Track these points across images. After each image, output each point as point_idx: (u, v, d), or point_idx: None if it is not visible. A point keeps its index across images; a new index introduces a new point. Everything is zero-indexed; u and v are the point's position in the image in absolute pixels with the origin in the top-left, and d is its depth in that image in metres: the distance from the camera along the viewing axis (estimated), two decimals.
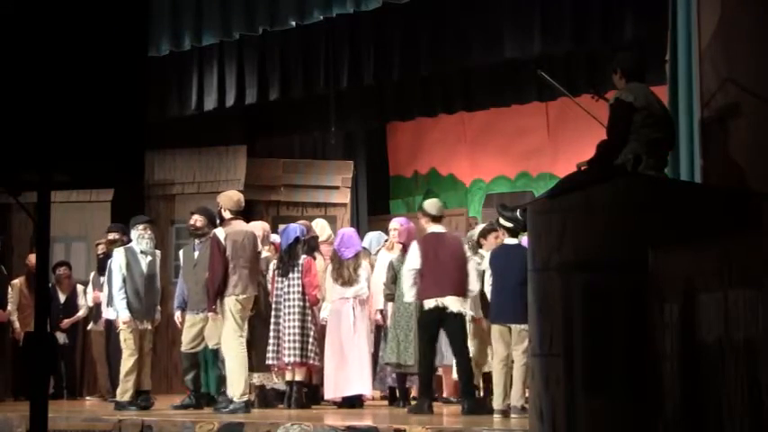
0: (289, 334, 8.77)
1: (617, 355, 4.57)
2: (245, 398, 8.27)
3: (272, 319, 8.88)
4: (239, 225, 8.55)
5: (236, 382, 8.25)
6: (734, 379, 3.73)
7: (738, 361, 3.71)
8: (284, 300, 8.85)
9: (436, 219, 8.31)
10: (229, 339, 8.31)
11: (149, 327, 9.08)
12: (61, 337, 10.65)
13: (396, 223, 9.22)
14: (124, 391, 8.86)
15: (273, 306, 8.91)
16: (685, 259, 4.17)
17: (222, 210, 8.61)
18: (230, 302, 8.31)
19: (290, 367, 8.82)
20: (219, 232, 8.45)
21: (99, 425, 8.11)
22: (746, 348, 3.67)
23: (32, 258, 10.48)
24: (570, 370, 4.72)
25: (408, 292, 8.24)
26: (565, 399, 4.74)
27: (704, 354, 3.92)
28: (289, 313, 8.81)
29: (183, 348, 8.90)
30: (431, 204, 8.46)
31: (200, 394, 8.94)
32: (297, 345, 8.74)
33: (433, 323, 8.12)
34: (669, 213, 4.64)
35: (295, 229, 9.04)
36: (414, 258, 8.16)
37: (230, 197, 8.69)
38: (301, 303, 8.82)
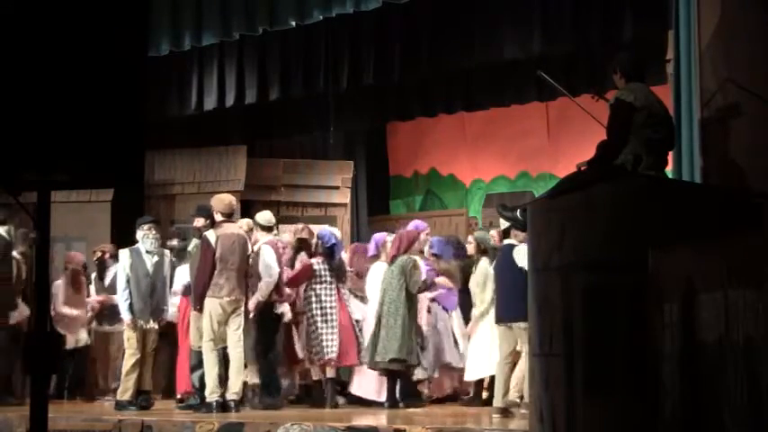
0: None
1: (617, 355, 4.57)
2: (215, 396, 8.34)
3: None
4: (230, 228, 8.61)
5: (207, 381, 8.40)
6: (734, 379, 3.73)
7: (738, 361, 3.71)
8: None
9: (267, 229, 8.92)
10: (203, 341, 8.44)
11: (155, 326, 9.10)
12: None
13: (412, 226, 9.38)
14: (124, 390, 8.87)
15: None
16: (685, 259, 4.17)
17: (214, 212, 8.66)
18: (210, 304, 8.39)
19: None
20: (210, 234, 8.52)
21: (99, 425, 8.12)
22: (746, 348, 3.67)
23: (73, 257, 10.39)
24: (570, 370, 4.72)
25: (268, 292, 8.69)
26: (565, 399, 4.74)
27: (704, 354, 3.92)
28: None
29: (193, 346, 8.91)
30: (262, 216, 9.03)
31: (204, 394, 8.95)
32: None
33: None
34: (669, 213, 4.64)
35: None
36: (275, 263, 8.69)
37: (221, 200, 8.73)
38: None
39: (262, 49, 10.87)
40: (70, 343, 10.14)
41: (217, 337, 8.42)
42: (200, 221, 8.96)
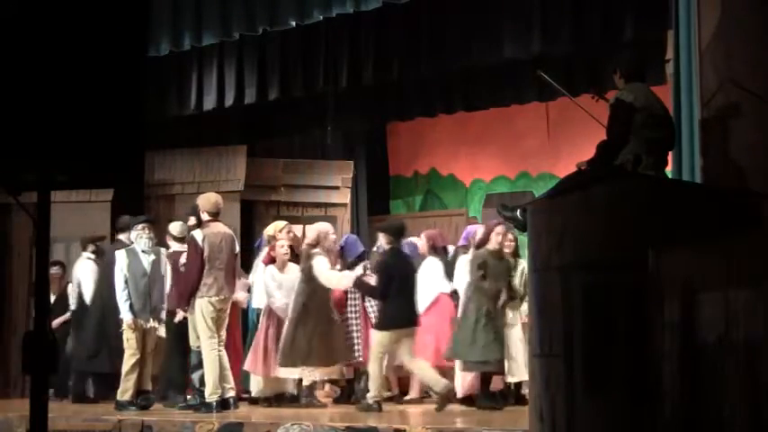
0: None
1: (617, 355, 4.56)
2: (215, 397, 8.35)
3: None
4: (217, 227, 8.64)
5: (207, 381, 8.41)
6: (734, 379, 3.73)
7: (738, 361, 3.71)
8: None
9: (179, 240, 9.43)
10: (201, 341, 8.46)
11: (155, 326, 9.12)
12: None
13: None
14: (125, 390, 8.89)
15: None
16: (685, 259, 4.17)
17: (201, 212, 8.67)
18: (202, 304, 8.42)
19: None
20: (197, 234, 8.56)
21: (99, 425, 8.12)
22: (746, 348, 3.67)
23: None
24: (570, 370, 4.72)
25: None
26: (565, 399, 4.74)
27: (704, 354, 3.92)
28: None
29: (192, 346, 8.91)
30: (174, 227, 9.64)
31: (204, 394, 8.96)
32: None
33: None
34: (669, 213, 4.64)
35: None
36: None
37: (208, 199, 8.76)
38: None
39: (262, 49, 10.85)
40: None
41: (215, 334, 8.42)
42: (192, 221, 9.02)
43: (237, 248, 8.84)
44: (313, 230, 9.28)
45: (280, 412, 8.50)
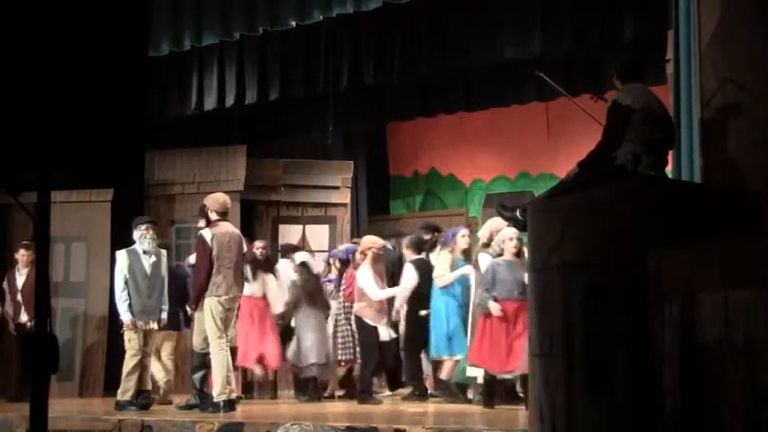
0: None
1: (617, 355, 4.57)
2: (223, 397, 8.36)
3: None
4: (225, 227, 8.67)
5: (215, 381, 8.42)
6: (734, 379, 3.73)
7: (738, 361, 3.71)
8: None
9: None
10: (210, 341, 8.47)
11: (155, 327, 9.13)
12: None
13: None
14: (125, 390, 8.89)
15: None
16: (685, 259, 4.17)
17: (209, 211, 8.70)
18: (211, 303, 8.43)
19: None
20: (206, 233, 8.57)
21: (99, 425, 8.12)
22: (746, 348, 3.67)
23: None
24: (570, 370, 4.72)
25: None
26: (565, 399, 4.74)
27: (704, 354, 3.92)
28: None
29: (196, 348, 8.91)
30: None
31: (204, 394, 8.95)
32: None
33: None
34: (669, 213, 4.64)
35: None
36: None
37: (216, 199, 8.79)
38: None
39: (262, 49, 10.85)
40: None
41: (223, 334, 8.43)
42: (202, 222, 9.03)
43: (245, 248, 8.87)
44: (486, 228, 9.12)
45: (279, 412, 8.50)
